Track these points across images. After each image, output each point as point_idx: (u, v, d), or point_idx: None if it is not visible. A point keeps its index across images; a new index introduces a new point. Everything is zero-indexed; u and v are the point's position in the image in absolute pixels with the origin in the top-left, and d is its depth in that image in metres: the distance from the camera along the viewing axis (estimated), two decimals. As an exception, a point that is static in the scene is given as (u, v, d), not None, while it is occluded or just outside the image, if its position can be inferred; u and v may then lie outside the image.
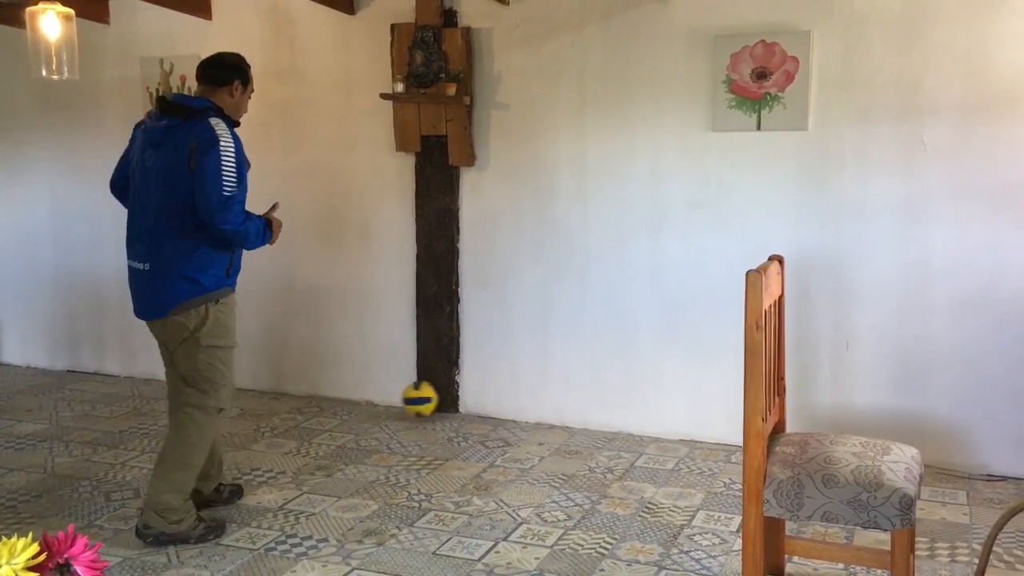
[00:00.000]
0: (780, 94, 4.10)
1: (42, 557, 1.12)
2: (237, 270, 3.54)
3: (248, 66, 3.55)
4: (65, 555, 1.14)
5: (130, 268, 3.47)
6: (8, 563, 1.08)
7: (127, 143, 3.59)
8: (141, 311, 3.49)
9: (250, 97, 3.57)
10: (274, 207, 3.61)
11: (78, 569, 1.14)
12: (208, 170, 3.24)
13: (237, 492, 3.80)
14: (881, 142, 4.01)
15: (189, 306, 3.36)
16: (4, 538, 1.11)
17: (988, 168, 3.87)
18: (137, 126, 3.56)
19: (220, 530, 3.46)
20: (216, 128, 3.30)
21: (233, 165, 3.30)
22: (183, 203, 3.30)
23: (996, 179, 3.86)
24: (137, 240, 3.44)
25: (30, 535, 1.12)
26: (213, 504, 3.69)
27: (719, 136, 4.26)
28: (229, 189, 3.28)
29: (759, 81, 4.13)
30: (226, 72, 3.46)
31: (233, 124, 3.44)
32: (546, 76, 4.56)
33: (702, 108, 4.27)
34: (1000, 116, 3.82)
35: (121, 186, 3.60)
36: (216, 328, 3.41)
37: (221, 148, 3.27)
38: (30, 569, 1.10)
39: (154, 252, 3.36)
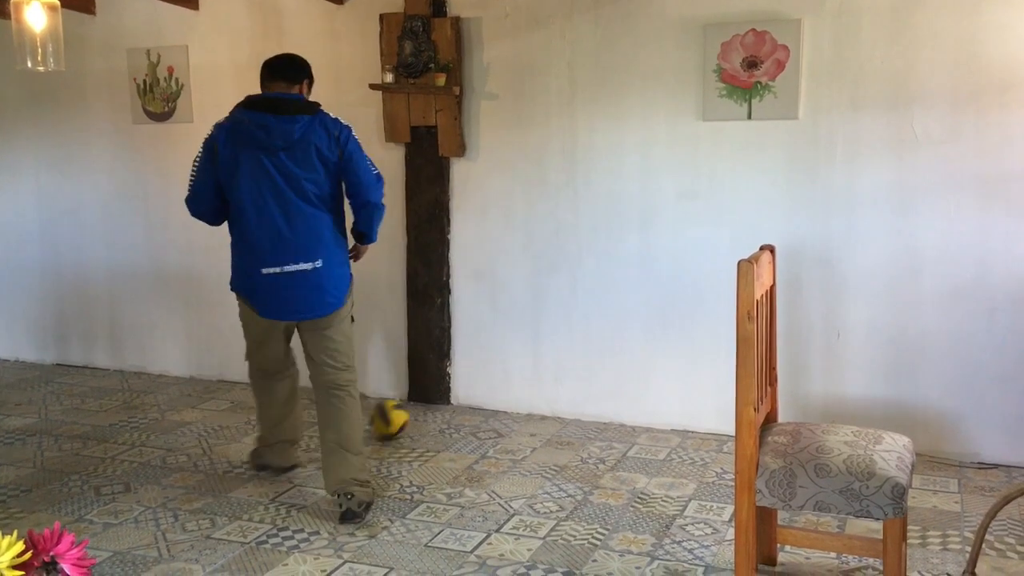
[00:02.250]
0: (771, 83, 4.09)
1: (27, 555, 1.10)
2: None
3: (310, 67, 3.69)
4: (51, 553, 1.12)
5: (282, 275, 3.45)
6: (-7, 561, 1.06)
7: (206, 156, 3.49)
8: (305, 310, 3.53)
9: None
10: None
11: (64, 567, 1.13)
12: (357, 151, 3.51)
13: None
14: (872, 131, 4.01)
15: (350, 294, 3.64)
16: (-10, 535, 1.10)
17: (978, 157, 3.87)
18: (219, 136, 3.46)
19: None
20: (342, 121, 3.54)
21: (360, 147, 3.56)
22: (333, 193, 3.53)
23: (986, 168, 3.86)
24: (292, 243, 3.44)
25: (15, 533, 1.11)
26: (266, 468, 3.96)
27: (710, 125, 4.25)
28: (374, 167, 3.59)
29: (750, 70, 4.12)
30: (299, 71, 3.59)
31: None
32: (536, 66, 4.53)
33: (693, 97, 4.25)
34: (990, 105, 3.82)
35: (216, 205, 3.55)
36: (353, 307, 3.69)
37: (353, 134, 3.54)
38: (15, 568, 1.08)
39: (322, 248, 3.48)
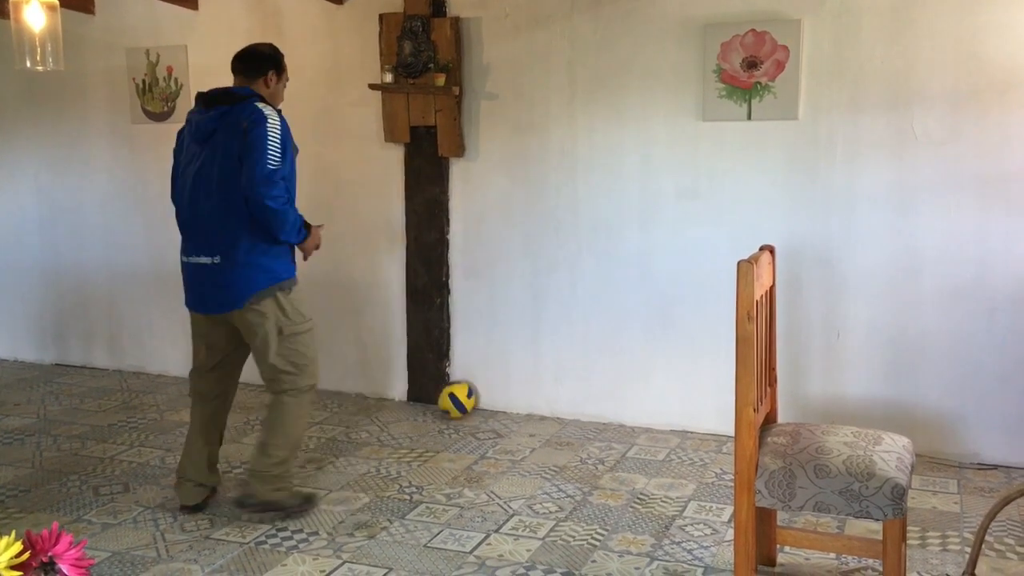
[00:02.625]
0: (770, 83, 4.09)
1: (25, 556, 1.10)
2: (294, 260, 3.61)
3: (282, 55, 3.63)
4: (49, 553, 1.12)
5: (190, 264, 3.49)
6: (-10, 562, 1.06)
7: (174, 149, 3.61)
8: (210, 305, 3.49)
9: (285, 85, 3.64)
10: (319, 226, 3.66)
11: (63, 567, 1.13)
12: (255, 144, 3.31)
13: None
14: (871, 131, 4.01)
15: (265, 295, 3.41)
16: (-14, 536, 1.09)
17: (978, 157, 3.87)
18: (181, 132, 3.60)
19: (312, 503, 3.59)
20: (265, 111, 3.38)
21: (279, 143, 3.36)
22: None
23: (986, 168, 3.86)
24: (199, 235, 3.45)
25: (13, 533, 1.10)
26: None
27: (709, 126, 4.24)
28: (273, 163, 3.33)
29: (749, 70, 4.11)
30: (260, 63, 3.54)
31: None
32: (536, 66, 4.53)
33: (692, 98, 4.25)
34: (990, 105, 3.82)
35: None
36: (295, 316, 3.48)
37: (268, 125, 3.35)
38: (13, 568, 1.08)
39: (225, 243, 3.38)
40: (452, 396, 4.65)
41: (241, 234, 3.37)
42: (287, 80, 3.66)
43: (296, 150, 3.54)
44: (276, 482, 3.50)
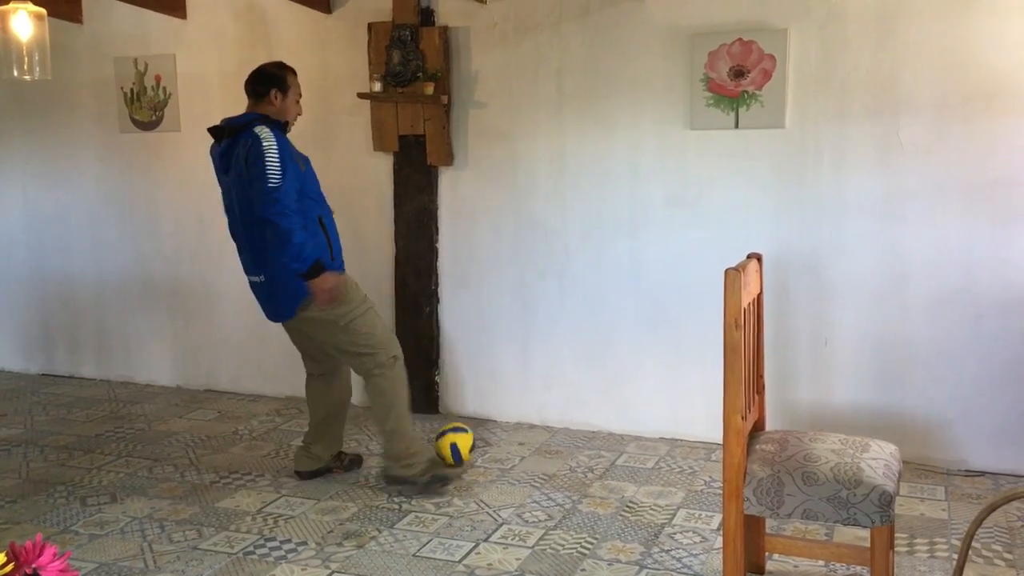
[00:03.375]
0: (758, 92, 4.11)
1: (9, 567, 1.09)
2: (339, 250, 3.82)
3: (286, 72, 3.80)
4: (33, 565, 1.11)
5: (250, 282, 3.80)
6: (-27, 574, 1.05)
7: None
8: (271, 316, 3.84)
9: (298, 100, 3.82)
10: (337, 274, 3.73)
11: (46, 579, 1.12)
12: (253, 166, 3.53)
13: (357, 461, 4.14)
14: (858, 139, 4.03)
15: (309, 301, 3.66)
16: (-31, 548, 1.09)
17: (964, 165, 3.89)
18: (212, 155, 3.83)
19: (446, 481, 3.82)
20: (259, 133, 3.57)
21: (276, 159, 3.53)
22: None
23: (972, 175, 3.88)
24: (246, 256, 3.75)
25: (-4, 545, 1.10)
26: (333, 471, 4.06)
27: (697, 134, 4.26)
28: (273, 181, 3.51)
29: (737, 79, 4.13)
30: (264, 84, 3.74)
31: (282, 126, 3.73)
32: (524, 75, 4.54)
33: (680, 106, 4.27)
34: (976, 113, 3.85)
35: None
36: (346, 306, 3.72)
37: (263, 146, 3.54)
38: (-3, 580, 1.08)
39: (263, 263, 3.66)
40: (454, 447, 4.10)
41: (273, 253, 3.60)
42: (299, 93, 3.83)
43: (305, 159, 3.77)
44: (402, 459, 3.77)
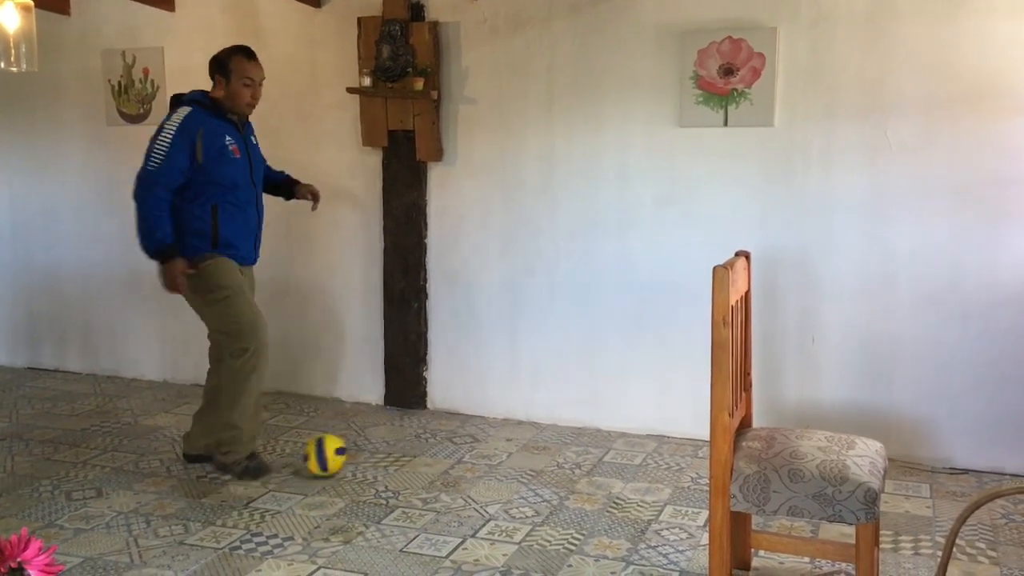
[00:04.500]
0: (747, 90, 4.12)
1: (-7, 561, 1.09)
2: (235, 239, 3.86)
3: (230, 57, 3.83)
4: (18, 559, 1.11)
5: None
6: (-42, 568, 1.05)
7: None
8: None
9: (247, 86, 3.83)
10: (178, 267, 3.77)
11: (31, 573, 1.11)
12: (148, 145, 3.73)
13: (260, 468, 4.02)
14: (846, 139, 4.04)
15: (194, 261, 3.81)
16: (-46, 542, 1.08)
17: (951, 164, 3.91)
18: None
19: (261, 472, 3.90)
20: (173, 113, 3.75)
21: (165, 144, 3.68)
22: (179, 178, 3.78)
23: (959, 175, 3.91)
24: None
25: (-19, 538, 1.09)
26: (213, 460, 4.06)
27: (687, 132, 4.27)
28: (152, 164, 3.69)
29: (726, 77, 4.14)
30: (210, 69, 3.87)
31: (221, 110, 3.81)
32: (514, 71, 4.54)
33: (670, 104, 4.27)
34: (963, 113, 3.87)
35: None
36: (212, 290, 3.81)
37: (163, 127, 3.71)
38: (-19, 573, 1.07)
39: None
40: (320, 443, 3.90)
41: (179, 221, 3.80)
42: (248, 78, 3.83)
43: (222, 149, 3.76)
44: (223, 445, 3.89)
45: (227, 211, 3.84)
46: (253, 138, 4.04)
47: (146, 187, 3.71)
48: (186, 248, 3.78)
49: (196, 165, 3.74)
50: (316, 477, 3.91)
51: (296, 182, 4.30)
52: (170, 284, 3.78)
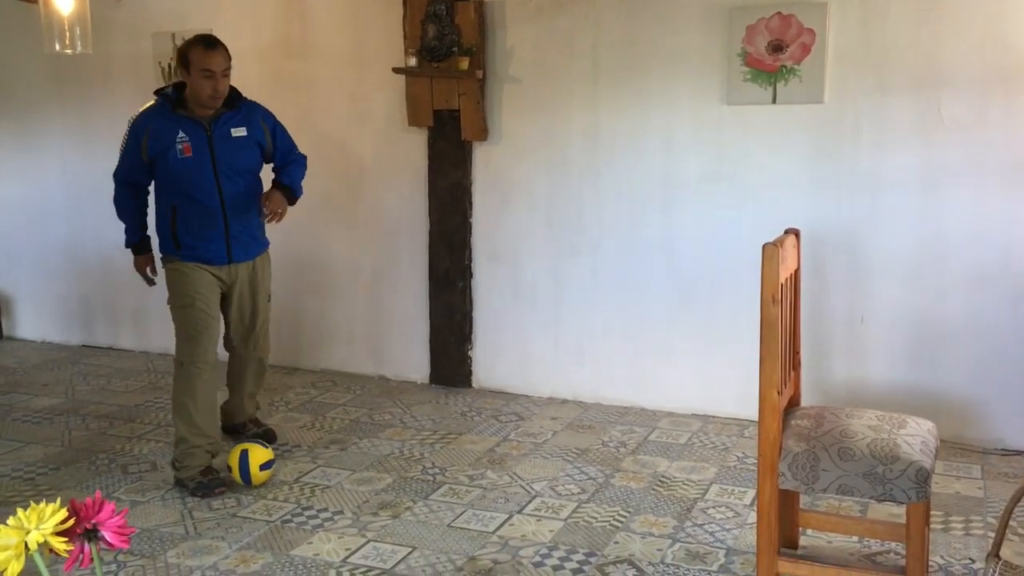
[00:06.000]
0: (796, 67, 4.07)
1: (70, 522, 1.13)
2: (196, 240, 3.74)
3: (189, 47, 3.65)
4: (93, 520, 1.14)
5: None
6: (37, 528, 1.09)
7: None
8: None
9: (207, 77, 3.62)
10: (144, 264, 3.99)
11: (105, 535, 1.15)
12: None
13: (267, 435, 4.11)
14: (898, 115, 3.98)
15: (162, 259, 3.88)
16: (32, 504, 1.12)
17: (1005, 141, 3.84)
18: None
19: (215, 488, 3.60)
20: (140, 107, 3.81)
21: (123, 142, 3.79)
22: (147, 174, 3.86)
23: (1013, 152, 3.83)
24: None
25: (58, 500, 1.13)
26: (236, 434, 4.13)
27: (734, 109, 4.23)
28: (119, 163, 3.83)
29: (775, 54, 4.09)
30: (177, 64, 3.79)
31: (180, 102, 3.71)
32: (559, 49, 4.53)
33: (717, 81, 4.24)
34: (1018, 89, 3.79)
35: None
36: (168, 286, 3.82)
37: (128, 124, 3.80)
38: (58, 534, 1.11)
39: None
40: (244, 455, 3.63)
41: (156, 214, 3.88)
42: (207, 69, 3.60)
43: (167, 148, 3.66)
44: (176, 460, 3.72)
45: (185, 211, 3.71)
46: (238, 130, 3.77)
47: (114, 180, 3.88)
48: (159, 246, 3.85)
49: (146, 163, 3.73)
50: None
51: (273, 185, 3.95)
52: (140, 274, 4.03)
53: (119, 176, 3.86)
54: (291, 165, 3.97)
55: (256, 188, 3.88)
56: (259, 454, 3.65)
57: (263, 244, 3.97)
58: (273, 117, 3.94)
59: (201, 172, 3.69)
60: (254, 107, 3.88)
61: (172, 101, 3.71)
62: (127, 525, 1.16)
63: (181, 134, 3.67)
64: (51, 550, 1.11)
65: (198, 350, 3.71)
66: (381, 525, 3.32)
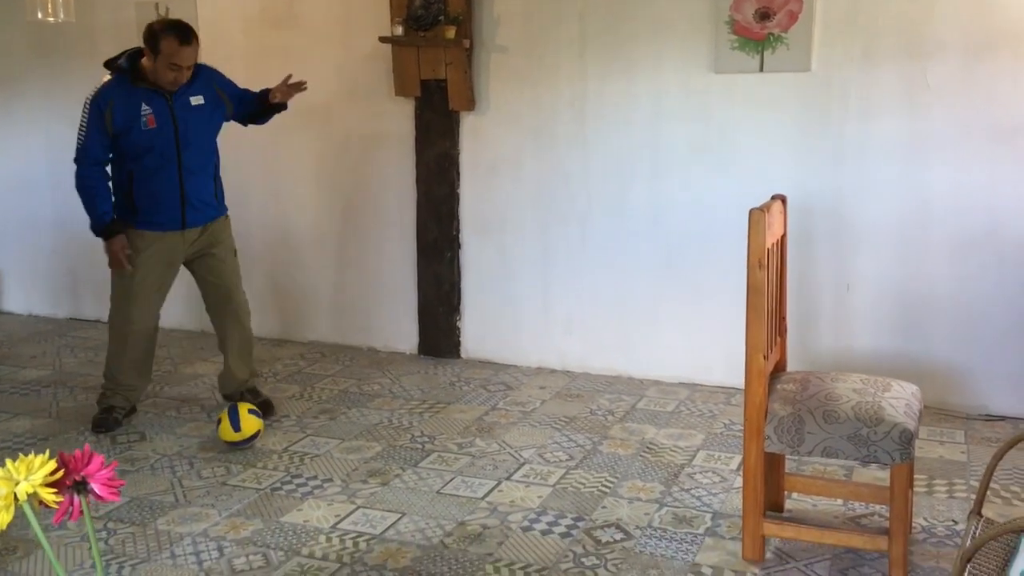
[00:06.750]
0: (783, 35, 4.06)
1: (59, 474, 1.13)
2: (145, 212, 3.83)
3: (163, 35, 3.65)
4: (82, 473, 1.15)
5: None
6: (26, 479, 1.09)
7: None
8: None
9: (172, 70, 3.67)
10: (117, 244, 3.87)
11: (94, 487, 1.16)
12: None
13: (264, 406, 4.06)
14: (884, 82, 3.98)
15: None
16: (21, 455, 1.13)
17: (990, 107, 3.85)
18: None
19: (104, 428, 3.92)
20: (97, 85, 3.76)
21: (84, 120, 3.75)
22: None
23: (998, 118, 3.84)
24: None
25: (47, 452, 1.14)
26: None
27: (721, 78, 4.22)
28: (79, 141, 3.77)
29: (762, 21, 4.09)
30: (143, 36, 3.72)
31: (139, 78, 3.73)
32: (546, 18, 4.50)
33: (704, 49, 4.23)
34: (1003, 55, 3.79)
35: None
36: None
37: (85, 101, 3.75)
38: (47, 486, 1.12)
39: None
40: (232, 408, 3.72)
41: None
42: (175, 64, 3.66)
43: (132, 120, 3.70)
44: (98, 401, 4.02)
45: (142, 177, 3.79)
46: (196, 98, 3.84)
47: (78, 165, 3.80)
48: (118, 210, 3.86)
49: (111, 137, 3.75)
50: (232, 445, 3.71)
51: (268, 91, 3.98)
52: (113, 261, 3.86)
53: (87, 158, 3.78)
54: (252, 93, 4.05)
55: (213, 155, 3.99)
56: (247, 407, 3.76)
57: (221, 210, 4.05)
58: (219, 74, 3.99)
59: (164, 141, 3.77)
60: (203, 71, 3.91)
61: (128, 73, 3.73)
62: (116, 477, 1.17)
63: (144, 106, 3.72)
64: (40, 502, 1.12)
65: (127, 313, 3.92)
66: (370, 492, 3.34)
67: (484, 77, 4.67)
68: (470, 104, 4.67)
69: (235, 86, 4.03)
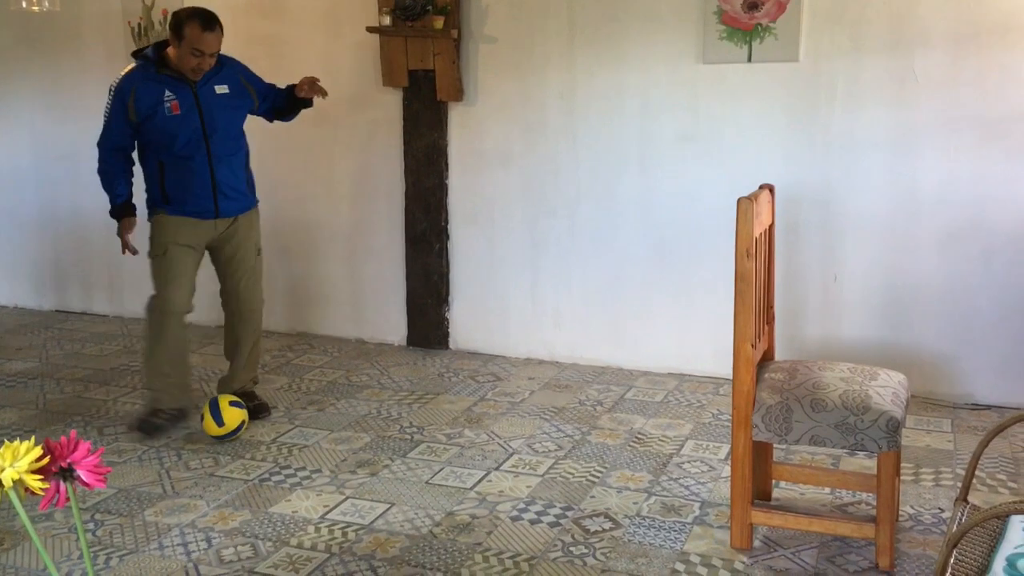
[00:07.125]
0: (772, 25, 4.07)
1: (45, 460, 1.13)
2: (179, 201, 3.79)
3: (187, 22, 3.65)
4: (68, 459, 1.14)
5: None
6: (11, 465, 1.09)
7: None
8: None
9: (195, 56, 3.66)
10: (125, 229, 3.89)
11: (80, 473, 1.15)
12: None
13: (258, 408, 4.01)
14: (872, 73, 3.99)
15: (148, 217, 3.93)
16: (7, 441, 1.12)
17: (978, 98, 3.86)
18: None
19: (153, 433, 3.79)
20: (121, 72, 3.76)
21: (108, 106, 3.75)
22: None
23: (986, 109, 3.86)
24: None
25: (33, 439, 1.13)
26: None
27: (710, 68, 4.22)
28: (103, 129, 3.78)
29: (750, 12, 4.09)
30: (168, 24, 3.74)
31: (163, 64, 3.72)
32: (535, 9, 4.49)
33: (693, 40, 4.23)
34: (991, 46, 3.81)
35: None
36: (151, 238, 3.88)
37: (110, 88, 3.75)
38: (33, 472, 1.11)
39: None
40: (213, 400, 3.73)
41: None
42: (198, 50, 3.64)
43: (155, 107, 3.69)
44: (148, 391, 3.93)
45: (173, 167, 3.78)
46: (221, 87, 3.82)
47: (100, 149, 3.81)
48: (147, 202, 3.87)
49: (135, 124, 3.73)
50: (218, 439, 3.69)
51: (293, 86, 3.98)
52: (123, 243, 3.90)
53: (109, 143, 3.79)
54: (278, 88, 4.04)
55: (242, 144, 3.95)
56: (227, 398, 3.74)
57: (252, 200, 4.01)
58: (246, 68, 3.98)
59: (189, 128, 3.74)
60: (230, 63, 3.90)
61: (154, 62, 3.72)
62: (102, 464, 1.16)
63: (168, 93, 3.71)
64: (26, 489, 1.11)
65: (169, 301, 3.81)
66: (359, 483, 3.34)
67: (472, 68, 4.66)
68: (458, 95, 4.66)
69: (261, 81, 4.00)
